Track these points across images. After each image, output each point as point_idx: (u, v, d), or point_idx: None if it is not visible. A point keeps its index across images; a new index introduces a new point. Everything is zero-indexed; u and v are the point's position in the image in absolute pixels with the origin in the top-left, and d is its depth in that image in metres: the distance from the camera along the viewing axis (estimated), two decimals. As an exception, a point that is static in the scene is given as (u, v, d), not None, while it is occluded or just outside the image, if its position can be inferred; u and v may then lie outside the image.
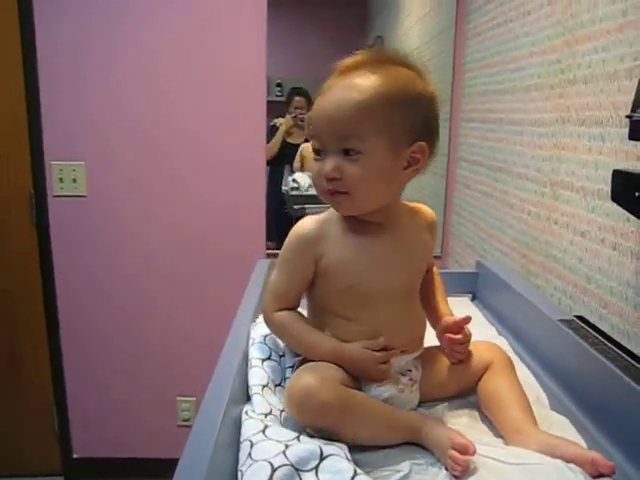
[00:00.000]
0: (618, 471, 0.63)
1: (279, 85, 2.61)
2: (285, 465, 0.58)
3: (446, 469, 0.64)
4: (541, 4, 1.34)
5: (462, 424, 0.77)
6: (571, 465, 0.62)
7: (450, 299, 1.19)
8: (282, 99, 2.57)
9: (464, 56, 2.00)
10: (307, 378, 0.67)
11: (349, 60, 0.75)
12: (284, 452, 0.59)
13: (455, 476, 0.63)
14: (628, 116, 0.89)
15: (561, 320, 0.93)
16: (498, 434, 0.74)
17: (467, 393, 0.82)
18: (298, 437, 0.63)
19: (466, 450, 0.63)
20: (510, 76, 1.53)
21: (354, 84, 0.71)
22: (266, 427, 0.66)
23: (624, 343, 0.97)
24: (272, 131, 2.48)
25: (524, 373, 0.91)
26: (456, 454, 0.63)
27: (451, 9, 2.06)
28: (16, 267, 2.15)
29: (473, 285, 1.32)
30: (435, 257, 2.17)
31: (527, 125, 1.41)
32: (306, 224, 0.79)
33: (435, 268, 0.93)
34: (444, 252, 2.18)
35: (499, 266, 1.37)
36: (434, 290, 0.90)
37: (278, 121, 2.56)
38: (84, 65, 2.00)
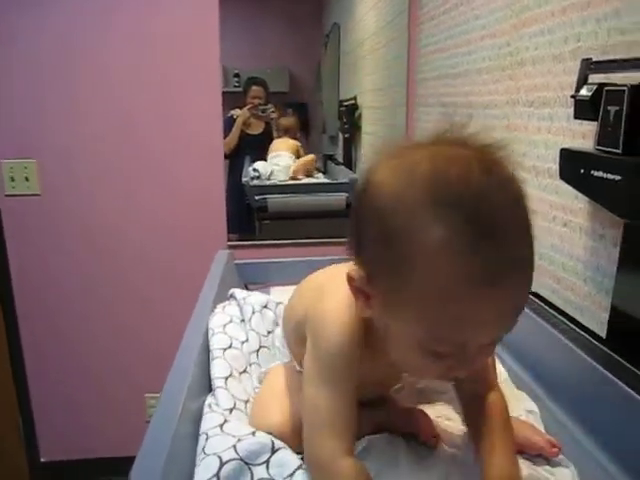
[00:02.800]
0: (570, 437, 0.65)
1: (237, 75, 2.59)
2: (234, 459, 0.58)
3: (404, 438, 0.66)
4: (489, -13, 1.36)
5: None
6: None
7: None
8: (240, 89, 2.55)
9: (418, 41, 2.01)
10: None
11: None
12: (234, 446, 0.60)
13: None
14: (572, 96, 0.92)
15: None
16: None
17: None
18: (254, 432, 0.63)
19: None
20: (462, 59, 1.55)
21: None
22: (225, 422, 0.66)
23: (577, 316, 1.00)
24: (230, 122, 2.46)
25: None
26: None
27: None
28: (-31, 270, 2.08)
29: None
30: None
31: (480, 107, 1.43)
32: (345, 318, 0.59)
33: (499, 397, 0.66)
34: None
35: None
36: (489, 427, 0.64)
37: (236, 112, 2.53)
38: (35, 60, 1.95)
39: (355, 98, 2.71)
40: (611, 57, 0.90)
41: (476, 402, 0.63)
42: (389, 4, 2.24)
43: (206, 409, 0.71)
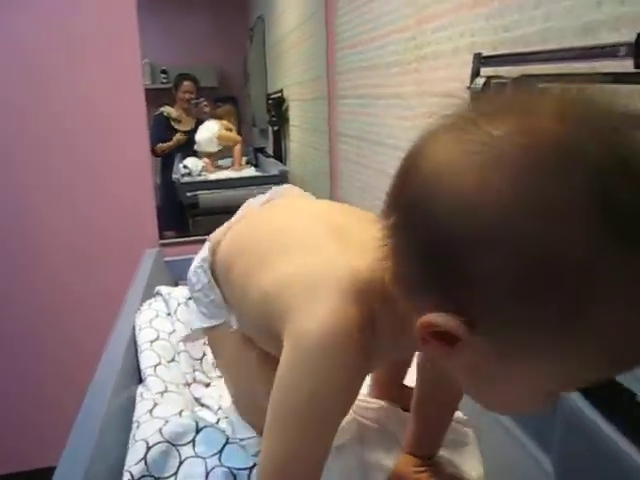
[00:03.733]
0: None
1: (164, 72, 2.57)
2: (160, 442, 0.62)
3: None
4: (396, -16, 1.43)
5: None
6: None
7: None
8: (168, 86, 2.55)
9: (336, 35, 2.07)
10: None
11: None
12: (160, 429, 0.63)
13: None
14: (468, 87, 1.00)
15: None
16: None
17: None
18: (180, 412, 0.68)
19: None
20: (375, 53, 1.61)
21: None
22: (155, 405, 0.70)
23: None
24: (161, 119, 2.45)
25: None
26: None
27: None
28: None
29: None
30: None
31: (391, 99, 1.50)
32: (350, 344, 0.45)
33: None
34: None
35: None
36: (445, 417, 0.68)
37: (166, 109, 2.52)
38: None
39: (282, 91, 2.75)
40: (499, 52, 0.98)
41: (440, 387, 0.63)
42: (307, 0, 2.29)
43: (138, 398, 0.75)
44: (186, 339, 0.80)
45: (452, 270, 0.36)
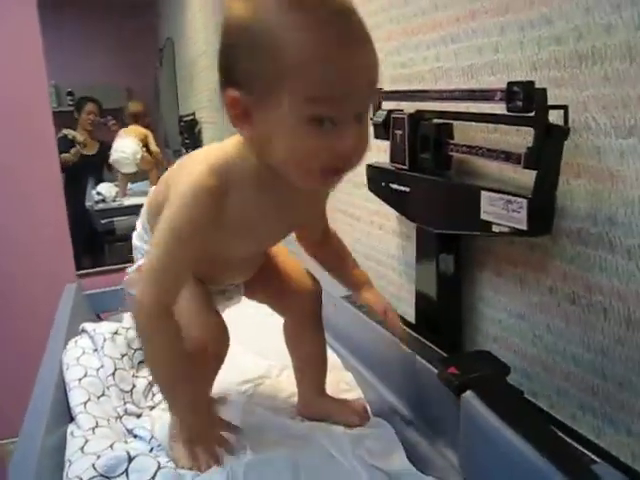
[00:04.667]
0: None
1: (70, 94, 2.53)
2: (94, 477, 0.65)
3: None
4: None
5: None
6: None
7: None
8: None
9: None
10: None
11: None
12: (93, 464, 0.66)
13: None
14: (371, 118, 1.08)
15: (342, 296, 1.09)
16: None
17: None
18: (112, 445, 0.70)
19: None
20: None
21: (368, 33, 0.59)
22: (86, 442, 0.72)
23: (397, 303, 1.17)
24: (63, 142, 2.38)
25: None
26: None
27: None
28: None
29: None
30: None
31: (304, 126, 1.58)
32: (209, 178, 0.64)
33: (334, 233, 0.88)
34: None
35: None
36: (346, 261, 0.88)
37: (69, 132, 2.47)
38: None
39: (194, 114, 2.76)
40: (397, 86, 1.08)
41: (329, 253, 0.86)
42: (214, 27, 2.33)
43: (69, 437, 0.76)
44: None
45: (228, 66, 0.59)
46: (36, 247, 2.08)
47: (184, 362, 0.68)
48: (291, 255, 0.89)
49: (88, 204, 2.44)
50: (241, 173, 0.65)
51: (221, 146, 0.69)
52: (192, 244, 0.64)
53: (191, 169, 0.66)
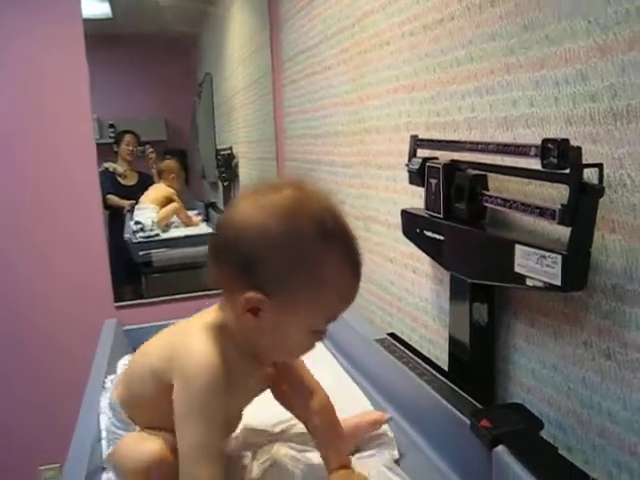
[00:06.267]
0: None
1: (112, 126, 2.61)
2: None
3: None
4: (338, 62, 1.55)
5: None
6: None
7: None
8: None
9: (283, 100, 2.18)
10: None
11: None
12: None
13: None
14: (406, 165, 1.10)
15: (376, 340, 1.10)
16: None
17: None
18: None
19: None
20: (322, 122, 1.73)
21: None
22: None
23: (430, 348, 1.18)
24: (106, 175, 2.46)
25: (356, 391, 1.08)
26: None
27: (269, 56, 2.24)
28: None
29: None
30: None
31: (339, 166, 1.61)
32: (212, 356, 0.70)
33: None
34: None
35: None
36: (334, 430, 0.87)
37: (110, 165, 2.55)
38: None
39: (231, 148, 2.83)
40: (432, 133, 1.10)
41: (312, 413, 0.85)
42: (254, 64, 2.40)
43: None
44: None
45: (250, 267, 0.66)
46: (77, 279, 2.13)
47: None
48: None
49: (126, 236, 2.50)
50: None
51: (205, 328, 0.74)
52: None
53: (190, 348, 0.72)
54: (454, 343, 0.99)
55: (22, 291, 2.07)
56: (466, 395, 0.87)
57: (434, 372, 0.95)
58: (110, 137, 2.62)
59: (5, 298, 2.05)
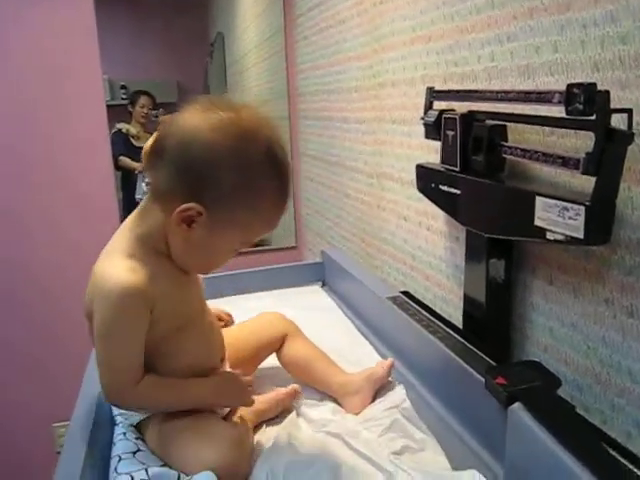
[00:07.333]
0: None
1: (124, 87, 2.58)
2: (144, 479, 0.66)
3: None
4: (352, 15, 1.49)
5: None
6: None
7: (303, 288, 1.34)
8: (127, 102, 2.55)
9: (296, 57, 2.12)
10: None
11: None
12: (146, 469, 0.67)
13: None
14: (422, 118, 1.06)
15: (388, 297, 1.08)
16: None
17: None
18: (162, 465, 0.71)
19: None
20: (335, 78, 1.68)
21: None
22: (138, 450, 0.73)
23: (444, 306, 1.15)
24: (119, 136, 2.44)
25: (369, 349, 1.07)
26: None
27: (281, 12, 2.17)
28: None
29: (321, 273, 1.46)
30: (291, 248, 2.31)
31: (352, 123, 1.56)
32: (130, 276, 0.69)
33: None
34: (299, 243, 2.32)
35: (342, 253, 1.52)
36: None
37: (123, 126, 2.52)
38: None
39: (243, 108, 2.79)
40: (449, 85, 1.05)
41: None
42: (266, 21, 2.34)
43: (120, 437, 0.77)
44: None
45: (196, 179, 0.67)
46: (88, 242, 2.12)
47: (184, 382, 0.76)
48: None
49: (138, 197, 2.49)
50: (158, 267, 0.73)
51: (127, 244, 0.75)
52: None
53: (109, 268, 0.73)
54: (469, 301, 0.96)
55: (32, 252, 2.07)
56: (481, 353, 0.85)
57: (448, 330, 0.93)
58: (122, 98, 2.58)
59: (15, 262, 2.06)
